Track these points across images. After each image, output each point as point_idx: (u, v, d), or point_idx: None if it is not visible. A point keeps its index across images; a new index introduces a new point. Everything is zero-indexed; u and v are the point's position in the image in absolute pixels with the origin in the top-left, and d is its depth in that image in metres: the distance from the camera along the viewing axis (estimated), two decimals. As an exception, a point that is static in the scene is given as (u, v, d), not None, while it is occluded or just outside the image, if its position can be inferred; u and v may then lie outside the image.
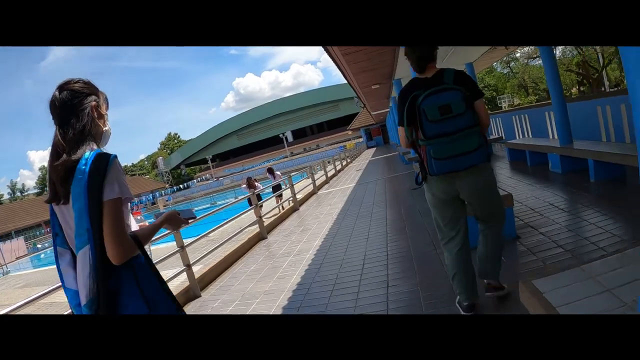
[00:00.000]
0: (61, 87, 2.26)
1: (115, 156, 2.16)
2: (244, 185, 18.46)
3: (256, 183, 18.33)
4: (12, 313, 3.69)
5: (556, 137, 10.71)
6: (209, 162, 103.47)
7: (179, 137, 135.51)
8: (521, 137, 14.54)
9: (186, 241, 7.20)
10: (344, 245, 7.61)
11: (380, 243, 7.12)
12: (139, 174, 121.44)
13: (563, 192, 7.45)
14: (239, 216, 10.71)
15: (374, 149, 57.04)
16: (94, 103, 2.31)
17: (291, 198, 14.97)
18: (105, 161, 2.10)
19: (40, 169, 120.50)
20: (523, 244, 5.22)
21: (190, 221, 2.78)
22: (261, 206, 12.38)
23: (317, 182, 19.35)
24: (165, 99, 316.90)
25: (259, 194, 16.44)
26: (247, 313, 5.51)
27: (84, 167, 2.07)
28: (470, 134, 3.36)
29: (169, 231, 6.25)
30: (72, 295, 2.22)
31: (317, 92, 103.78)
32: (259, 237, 10.37)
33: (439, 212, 3.81)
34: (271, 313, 5.33)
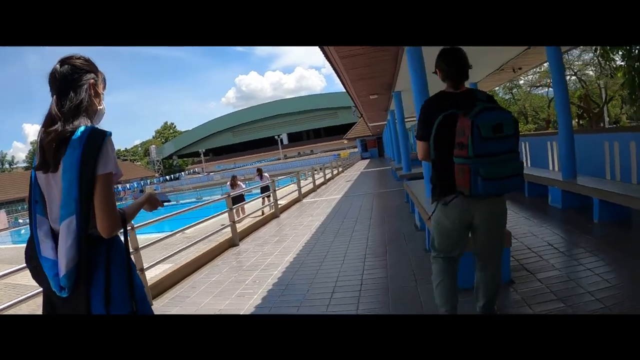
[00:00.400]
0: (63, 61, 2.30)
1: (110, 133, 2.19)
2: (228, 184, 18.10)
3: (240, 183, 18.05)
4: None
5: (557, 169, 10.26)
6: (201, 155, 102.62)
7: (174, 127, 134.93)
8: (520, 165, 13.69)
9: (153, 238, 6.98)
10: (316, 265, 6.93)
11: (356, 268, 6.42)
12: (131, 160, 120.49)
13: (563, 232, 6.80)
14: (212, 218, 10.03)
15: (368, 160, 56.81)
16: (92, 80, 2.35)
17: (272, 204, 14.20)
18: (101, 137, 2.14)
19: (32, 142, 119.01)
20: (518, 292, 4.57)
21: (165, 204, 2.77)
22: (241, 209, 11.78)
23: (304, 190, 18.75)
24: (166, 88, 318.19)
25: (241, 195, 16.25)
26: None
27: (78, 140, 2.10)
28: (516, 158, 3.22)
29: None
30: (50, 266, 2.19)
31: (317, 98, 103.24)
32: (230, 243, 9.72)
33: (445, 237, 3.61)
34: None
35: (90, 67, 2.38)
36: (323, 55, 10.14)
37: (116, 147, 8.84)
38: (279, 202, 14.48)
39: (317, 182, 22.76)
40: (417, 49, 7.29)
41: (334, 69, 12.15)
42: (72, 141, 2.11)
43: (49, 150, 2.16)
